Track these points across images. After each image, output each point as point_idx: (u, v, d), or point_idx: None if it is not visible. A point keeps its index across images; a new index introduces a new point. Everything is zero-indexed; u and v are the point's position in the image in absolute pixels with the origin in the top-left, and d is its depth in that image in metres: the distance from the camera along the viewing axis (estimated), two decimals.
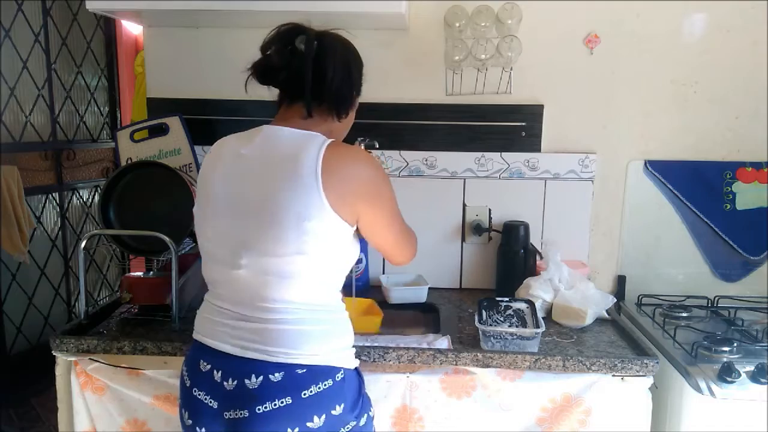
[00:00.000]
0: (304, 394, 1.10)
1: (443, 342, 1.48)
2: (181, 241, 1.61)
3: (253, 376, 1.10)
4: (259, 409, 1.09)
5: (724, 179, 1.89)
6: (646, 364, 1.38)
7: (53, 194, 3.35)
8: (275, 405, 1.09)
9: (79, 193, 3.55)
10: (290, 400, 1.09)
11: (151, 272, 1.68)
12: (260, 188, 1.11)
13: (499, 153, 1.91)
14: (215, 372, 1.13)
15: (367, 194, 1.14)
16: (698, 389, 1.36)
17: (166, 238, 1.52)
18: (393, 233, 1.25)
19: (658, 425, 1.47)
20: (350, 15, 1.60)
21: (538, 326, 1.44)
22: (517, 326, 1.47)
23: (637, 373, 1.38)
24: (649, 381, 1.39)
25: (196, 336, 1.21)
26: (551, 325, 1.63)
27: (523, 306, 1.58)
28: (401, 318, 1.78)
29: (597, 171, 1.90)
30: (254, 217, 1.11)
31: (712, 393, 1.34)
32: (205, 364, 1.15)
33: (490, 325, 1.47)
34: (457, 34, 1.78)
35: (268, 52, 1.18)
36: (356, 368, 1.22)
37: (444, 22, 1.80)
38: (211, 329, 1.17)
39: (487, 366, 1.40)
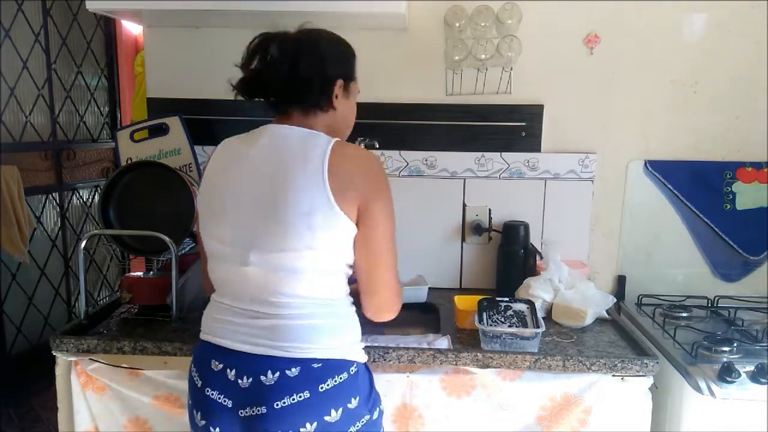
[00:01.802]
0: (322, 388, 1.11)
1: (443, 342, 1.48)
2: (181, 241, 1.61)
3: (269, 372, 1.11)
4: (277, 405, 1.10)
5: (724, 179, 1.89)
6: (646, 364, 1.38)
7: (53, 194, 3.35)
8: (293, 399, 1.10)
9: (79, 193, 3.55)
10: (308, 394, 1.10)
11: (151, 272, 1.68)
12: (269, 187, 1.12)
13: (499, 153, 1.91)
14: (228, 371, 1.14)
15: (368, 191, 1.13)
16: (698, 389, 1.36)
17: (166, 238, 1.52)
18: (384, 248, 1.18)
19: (658, 425, 1.47)
20: (350, 15, 1.60)
21: (538, 326, 1.44)
22: (517, 326, 1.47)
23: (637, 373, 1.38)
24: (649, 381, 1.39)
25: (204, 336, 1.21)
26: (551, 325, 1.63)
27: (523, 306, 1.58)
28: (401, 318, 1.77)
29: (597, 171, 1.90)
30: (263, 214, 1.12)
31: (712, 393, 1.34)
32: (216, 363, 1.15)
33: (490, 325, 1.47)
34: (457, 34, 1.78)
35: (248, 68, 1.19)
36: (366, 363, 1.23)
37: (444, 22, 1.80)
38: (220, 328, 1.18)
39: (487, 366, 1.40)
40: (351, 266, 1.19)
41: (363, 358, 1.21)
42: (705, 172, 1.89)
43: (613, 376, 1.39)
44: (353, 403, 1.14)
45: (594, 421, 1.40)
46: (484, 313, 1.52)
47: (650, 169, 1.90)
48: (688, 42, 1.85)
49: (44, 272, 3.30)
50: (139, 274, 1.69)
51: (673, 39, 1.85)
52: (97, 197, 3.56)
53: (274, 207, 1.11)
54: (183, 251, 1.72)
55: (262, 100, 1.23)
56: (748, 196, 1.89)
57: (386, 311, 1.24)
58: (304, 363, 1.11)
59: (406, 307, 1.80)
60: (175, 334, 1.51)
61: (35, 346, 3.20)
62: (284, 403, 1.09)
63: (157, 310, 1.62)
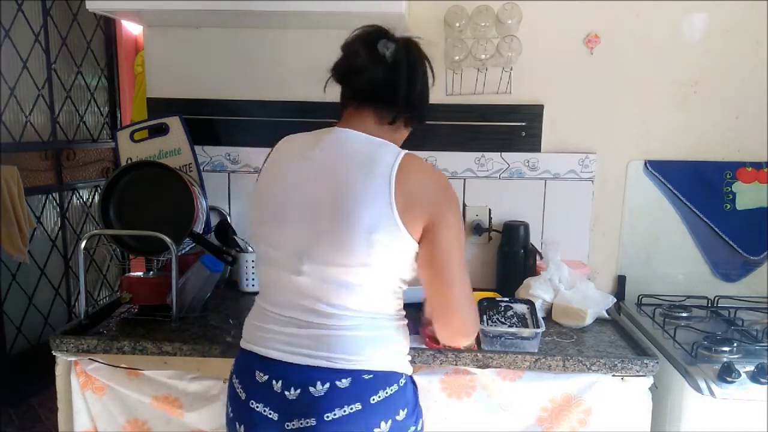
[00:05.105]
0: (373, 400, 1.08)
1: None
2: (181, 241, 1.61)
3: (319, 383, 1.08)
4: (327, 417, 1.07)
5: (724, 179, 1.89)
6: (646, 364, 1.38)
7: (53, 194, 3.35)
8: (345, 411, 1.07)
9: (79, 193, 3.55)
10: (360, 406, 1.07)
11: (151, 272, 1.68)
12: (330, 194, 1.09)
13: (499, 153, 1.91)
14: (274, 382, 1.10)
15: (432, 210, 1.09)
16: (698, 389, 1.36)
17: (166, 238, 1.52)
18: (452, 268, 1.11)
19: (658, 425, 1.47)
20: (350, 15, 1.60)
21: (538, 326, 1.44)
22: (517, 326, 1.47)
23: (637, 373, 1.38)
24: (649, 381, 1.39)
25: (246, 345, 1.17)
26: (551, 325, 1.63)
27: (523, 306, 1.58)
28: None
29: (597, 171, 1.90)
30: (321, 223, 1.09)
31: (712, 393, 1.34)
32: (261, 374, 1.12)
33: (490, 325, 1.47)
34: (457, 34, 1.78)
35: (349, 54, 1.16)
36: (411, 375, 1.20)
37: (444, 22, 1.80)
38: (265, 338, 1.14)
39: (487, 366, 1.40)
40: (405, 282, 1.15)
41: (410, 369, 1.19)
42: (705, 172, 1.89)
43: (613, 376, 1.39)
44: (401, 415, 1.11)
45: (594, 421, 1.40)
46: (484, 314, 1.52)
47: (650, 169, 1.90)
48: (688, 42, 1.85)
49: (44, 272, 3.30)
50: (139, 274, 1.68)
51: (673, 39, 1.85)
52: (97, 197, 3.56)
53: (333, 219, 1.07)
54: (183, 251, 1.72)
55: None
56: (748, 196, 1.89)
57: (461, 337, 1.17)
58: (355, 374, 1.08)
59: (406, 307, 1.81)
60: (175, 334, 1.51)
61: (35, 346, 3.20)
62: (335, 414, 1.07)
63: (157, 310, 1.62)
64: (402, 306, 1.19)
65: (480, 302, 1.57)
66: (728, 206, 1.90)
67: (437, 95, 1.89)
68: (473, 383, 1.41)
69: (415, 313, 1.78)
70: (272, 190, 1.15)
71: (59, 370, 1.50)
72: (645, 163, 1.90)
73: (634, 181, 1.91)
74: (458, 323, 1.14)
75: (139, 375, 1.46)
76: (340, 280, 1.09)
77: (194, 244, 1.69)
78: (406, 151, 1.12)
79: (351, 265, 1.07)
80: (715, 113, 1.88)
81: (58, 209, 3.40)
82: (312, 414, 1.07)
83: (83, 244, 1.57)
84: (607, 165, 1.91)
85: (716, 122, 1.88)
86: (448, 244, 1.10)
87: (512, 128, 1.90)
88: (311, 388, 1.08)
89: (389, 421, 1.09)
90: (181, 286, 1.58)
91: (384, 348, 1.13)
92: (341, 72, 1.16)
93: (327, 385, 1.08)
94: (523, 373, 1.41)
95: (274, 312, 1.15)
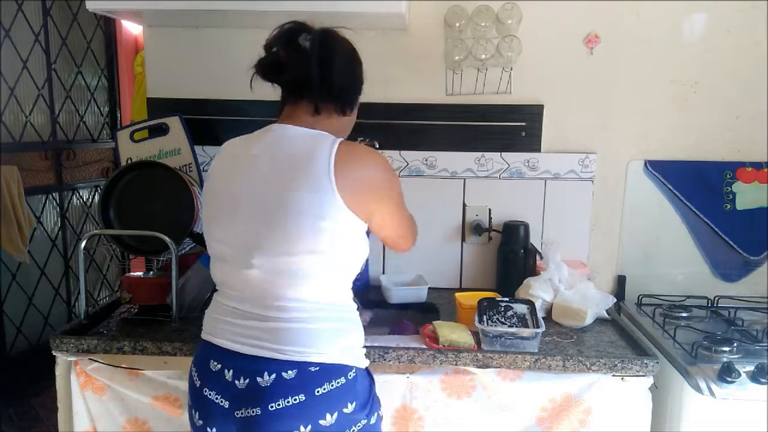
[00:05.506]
0: (317, 392, 1.10)
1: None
2: (181, 241, 1.61)
3: (266, 374, 1.11)
4: (271, 407, 1.09)
5: (724, 179, 1.89)
6: (646, 364, 1.38)
7: (53, 194, 3.35)
8: (288, 402, 1.09)
9: (79, 193, 3.55)
10: (303, 398, 1.10)
11: (151, 272, 1.68)
12: (273, 188, 1.12)
13: (499, 153, 1.91)
14: (226, 371, 1.14)
15: (380, 194, 1.17)
16: (698, 389, 1.36)
17: (166, 238, 1.52)
18: (401, 227, 1.29)
19: (658, 425, 1.48)
20: (350, 15, 1.60)
21: (538, 326, 1.44)
22: (517, 326, 1.47)
23: (637, 373, 1.38)
24: (649, 381, 1.39)
25: (204, 336, 1.21)
26: (551, 325, 1.63)
27: (523, 306, 1.58)
28: (401, 317, 1.78)
29: (597, 171, 1.90)
30: (267, 216, 1.12)
31: (712, 393, 1.34)
32: (215, 363, 1.16)
33: (490, 325, 1.47)
34: (457, 34, 1.78)
35: (273, 50, 1.19)
36: (367, 368, 1.22)
37: (444, 22, 1.80)
38: (221, 329, 1.18)
39: (487, 366, 1.40)
40: (357, 265, 1.20)
41: (363, 363, 1.21)
42: (705, 172, 1.89)
43: (613, 376, 1.39)
44: (349, 408, 1.13)
45: (594, 421, 1.40)
46: (484, 314, 1.52)
47: (650, 169, 1.90)
48: (688, 42, 1.85)
49: (44, 272, 3.29)
50: (139, 274, 1.68)
51: (673, 39, 1.84)
52: (97, 197, 3.55)
53: (279, 209, 1.11)
54: (183, 251, 1.72)
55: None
56: (748, 196, 1.89)
57: (407, 249, 1.39)
58: (301, 366, 1.11)
59: (407, 307, 1.81)
60: (175, 334, 1.51)
61: (35, 346, 3.20)
62: (279, 405, 1.09)
63: (157, 310, 1.62)
64: (352, 298, 1.22)
65: (480, 302, 1.57)
66: (728, 206, 1.90)
67: (437, 95, 1.89)
68: (473, 383, 1.41)
69: (415, 314, 1.80)
70: (220, 190, 1.19)
71: (59, 370, 1.50)
72: (645, 163, 1.90)
73: (634, 181, 1.91)
74: (402, 249, 1.37)
75: (139, 375, 1.46)
76: (291, 269, 1.11)
77: (194, 244, 1.69)
78: (341, 139, 1.15)
79: (299, 252, 1.10)
80: (715, 113, 1.88)
81: (58, 209, 3.40)
82: (258, 403, 1.10)
83: (83, 244, 1.57)
84: (607, 165, 1.91)
85: (716, 122, 1.88)
86: (397, 216, 1.25)
87: (512, 128, 1.90)
88: (259, 378, 1.11)
89: (335, 414, 1.11)
90: (181, 286, 1.59)
91: (334, 340, 1.15)
92: (263, 69, 1.20)
93: (273, 375, 1.10)
94: (523, 373, 1.41)
95: (229, 305, 1.18)
